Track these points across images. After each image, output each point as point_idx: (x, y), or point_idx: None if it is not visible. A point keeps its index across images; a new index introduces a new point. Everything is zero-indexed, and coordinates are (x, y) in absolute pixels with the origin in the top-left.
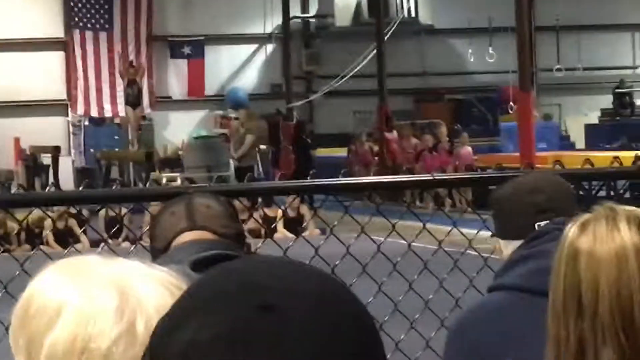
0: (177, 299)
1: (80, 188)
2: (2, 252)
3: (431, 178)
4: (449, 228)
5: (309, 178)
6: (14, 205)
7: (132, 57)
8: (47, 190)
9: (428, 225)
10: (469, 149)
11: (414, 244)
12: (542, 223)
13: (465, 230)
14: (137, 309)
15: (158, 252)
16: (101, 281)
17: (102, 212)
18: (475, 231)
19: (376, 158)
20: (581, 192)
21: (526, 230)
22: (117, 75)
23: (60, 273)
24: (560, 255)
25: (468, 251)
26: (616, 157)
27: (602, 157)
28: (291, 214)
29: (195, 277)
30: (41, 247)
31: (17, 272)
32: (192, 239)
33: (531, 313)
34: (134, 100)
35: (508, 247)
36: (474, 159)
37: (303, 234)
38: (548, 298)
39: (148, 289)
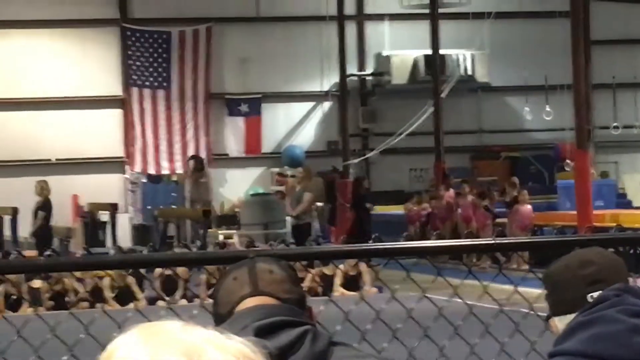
0: None
1: (145, 251)
2: (60, 308)
3: (493, 242)
4: (507, 286)
5: (371, 241)
6: (85, 268)
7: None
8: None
9: (486, 283)
10: (529, 207)
11: (473, 302)
12: (595, 294)
13: (524, 289)
14: None
15: (221, 317)
16: (173, 347)
17: (158, 270)
18: (534, 289)
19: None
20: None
21: (579, 302)
22: (175, 132)
23: (138, 335)
24: None
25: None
26: None
27: None
28: (350, 272)
29: (273, 350)
30: (100, 304)
31: (82, 336)
32: (255, 305)
33: None
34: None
35: (563, 322)
36: (532, 217)
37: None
38: None
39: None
